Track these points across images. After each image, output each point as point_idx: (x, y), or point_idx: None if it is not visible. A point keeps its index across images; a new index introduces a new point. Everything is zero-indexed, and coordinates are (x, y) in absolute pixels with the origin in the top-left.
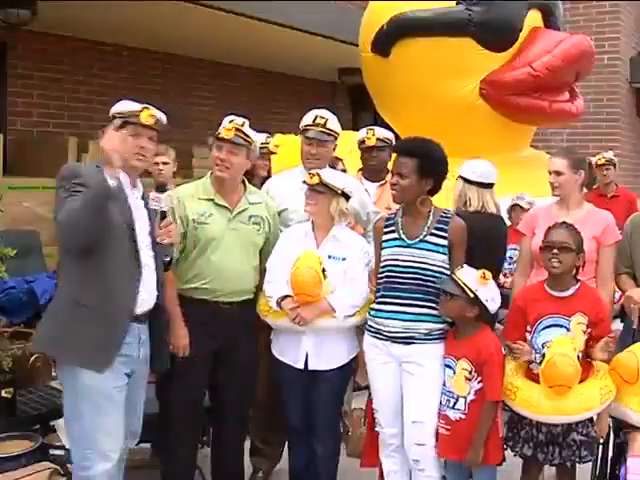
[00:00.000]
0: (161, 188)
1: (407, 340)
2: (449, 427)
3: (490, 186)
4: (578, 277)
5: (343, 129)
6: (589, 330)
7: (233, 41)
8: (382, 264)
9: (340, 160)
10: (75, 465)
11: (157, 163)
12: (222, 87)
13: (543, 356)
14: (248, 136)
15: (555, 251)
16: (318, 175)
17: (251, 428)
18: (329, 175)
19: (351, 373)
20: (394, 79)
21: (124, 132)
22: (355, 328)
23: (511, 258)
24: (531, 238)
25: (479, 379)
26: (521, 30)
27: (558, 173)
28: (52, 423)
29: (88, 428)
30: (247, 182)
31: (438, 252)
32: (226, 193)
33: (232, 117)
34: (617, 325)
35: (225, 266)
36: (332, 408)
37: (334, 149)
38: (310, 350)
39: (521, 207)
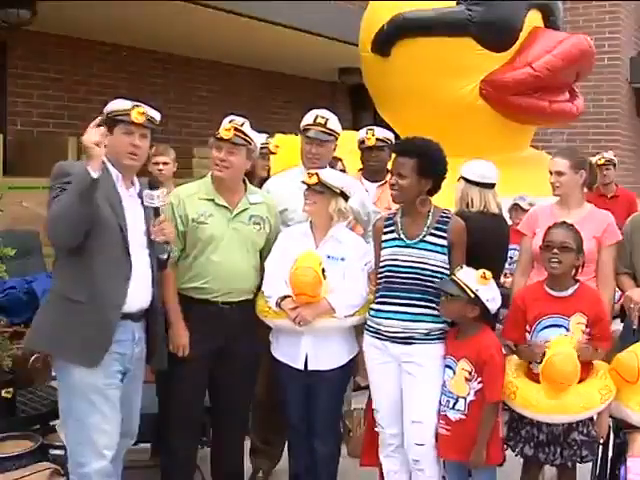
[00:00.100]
0: (154, 185)
1: (406, 340)
2: (449, 427)
3: (492, 186)
4: (579, 277)
5: (343, 129)
6: (589, 330)
7: (233, 41)
8: (382, 264)
9: (340, 160)
10: (71, 463)
11: (157, 163)
12: (222, 87)
13: (543, 355)
14: (248, 136)
15: (555, 251)
16: (316, 175)
17: (251, 428)
18: (328, 175)
19: (351, 373)
20: (394, 79)
21: (117, 130)
22: (355, 328)
23: (511, 258)
24: (531, 238)
25: (479, 380)
26: (521, 30)
27: (559, 173)
28: (52, 423)
29: (82, 425)
30: (248, 182)
31: (438, 252)
32: (226, 193)
33: (232, 117)
34: (617, 325)
35: (225, 266)
36: (332, 408)
37: (334, 149)
38: (310, 350)
39: (521, 208)
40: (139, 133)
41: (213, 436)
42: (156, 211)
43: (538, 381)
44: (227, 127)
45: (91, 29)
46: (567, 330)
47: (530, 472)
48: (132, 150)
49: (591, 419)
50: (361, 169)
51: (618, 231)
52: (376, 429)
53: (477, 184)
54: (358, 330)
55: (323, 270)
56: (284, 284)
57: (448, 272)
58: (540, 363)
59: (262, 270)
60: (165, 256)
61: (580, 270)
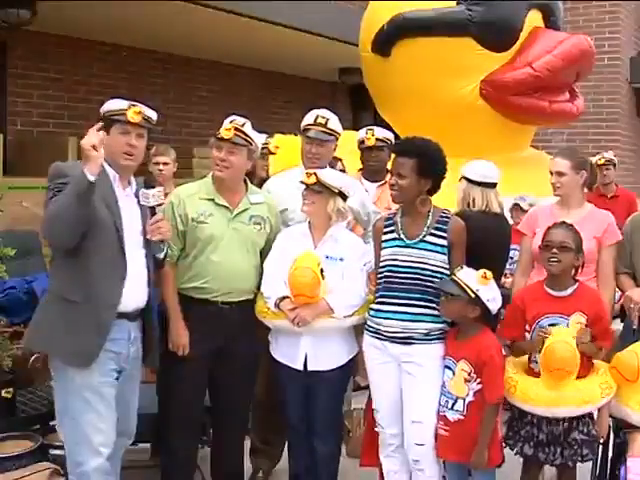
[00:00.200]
0: (150, 184)
1: (406, 340)
2: (448, 428)
3: (493, 186)
4: (579, 277)
5: (343, 129)
6: (588, 330)
7: (233, 41)
8: (381, 264)
9: (339, 160)
10: (70, 463)
11: (157, 163)
12: (222, 87)
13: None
14: (248, 136)
15: (554, 250)
16: (315, 174)
17: (251, 428)
18: (326, 174)
19: (351, 373)
20: (394, 79)
21: (113, 130)
22: (355, 328)
23: (511, 258)
24: (531, 238)
25: (478, 380)
26: (521, 30)
27: (560, 174)
28: (52, 423)
29: (77, 424)
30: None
31: (437, 252)
32: (227, 193)
33: (233, 117)
34: (617, 325)
35: (225, 266)
36: (332, 408)
37: (335, 149)
38: (309, 351)
39: (521, 208)
40: (135, 133)
41: (213, 436)
42: (152, 210)
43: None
44: (228, 127)
45: (91, 29)
46: None
47: (530, 472)
48: (128, 150)
49: (591, 418)
50: (361, 169)
51: (618, 231)
52: (376, 429)
53: (479, 184)
54: (358, 330)
55: (322, 270)
56: (283, 285)
57: (448, 272)
58: (540, 352)
59: (262, 270)
60: (161, 255)
61: (580, 270)
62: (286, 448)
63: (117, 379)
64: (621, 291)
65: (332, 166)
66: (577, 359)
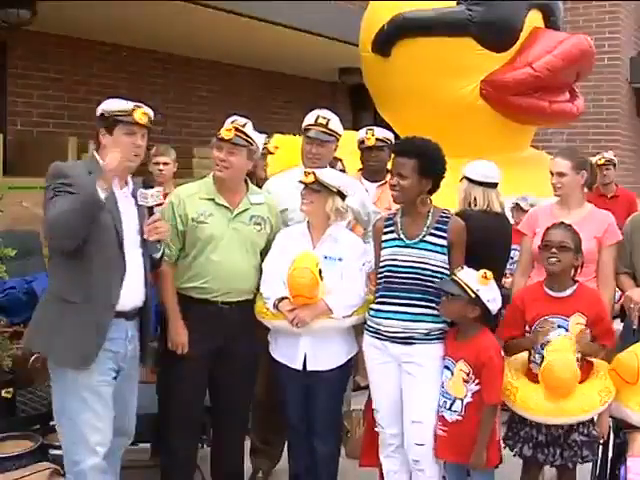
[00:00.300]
0: (148, 184)
1: (406, 340)
2: (446, 428)
3: (495, 186)
4: (579, 277)
5: (343, 129)
6: (588, 330)
7: (233, 41)
8: (381, 264)
9: (339, 160)
10: (67, 462)
11: (158, 163)
12: (222, 87)
13: (543, 357)
14: (249, 136)
15: (554, 250)
16: (313, 173)
17: (251, 428)
18: (324, 173)
19: (350, 373)
20: (394, 79)
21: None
22: (354, 328)
23: (512, 258)
24: (532, 238)
25: (477, 381)
26: (521, 30)
27: (561, 174)
28: (52, 423)
29: (74, 423)
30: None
31: (437, 252)
32: (227, 193)
33: (235, 117)
34: (617, 325)
35: (224, 266)
36: (332, 408)
37: (335, 150)
38: (308, 351)
39: (522, 208)
40: (140, 133)
41: (213, 436)
42: (150, 210)
43: (537, 381)
44: (228, 127)
45: (91, 29)
46: (566, 330)
47: (530, 473)
48: (136, 151)
49: (591, 419)
50: (361, 169)
51: (618, 231)
52: (376, 429)
53: (480, 184)
54: (358, 330)
55: (320, 271)
56: (282, 285)
57: (448, 272)
58: (540, 364)
59: (262, 270)
60: (158, 255)
61: (580, 270)
62: (286, 448)
63: (115, 378)
64: (621, 291)
65: (332, 166)
66: (576, 378)
